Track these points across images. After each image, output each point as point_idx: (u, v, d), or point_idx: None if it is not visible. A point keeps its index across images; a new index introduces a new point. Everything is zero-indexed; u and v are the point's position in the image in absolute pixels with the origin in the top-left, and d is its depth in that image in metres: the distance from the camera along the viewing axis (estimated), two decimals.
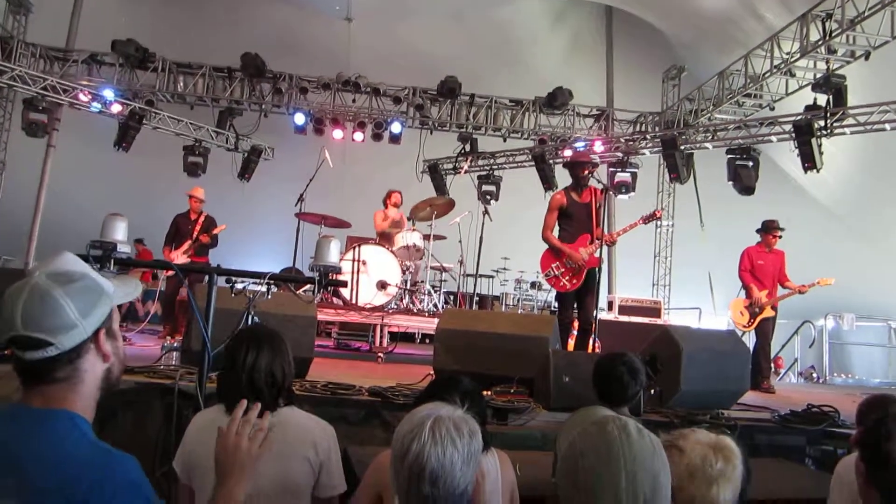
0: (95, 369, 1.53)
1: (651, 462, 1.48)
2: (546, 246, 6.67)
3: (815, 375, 11.71)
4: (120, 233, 3.99)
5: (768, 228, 8.13)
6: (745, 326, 7.93)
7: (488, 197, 12.89)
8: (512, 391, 4.83)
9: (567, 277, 6.48)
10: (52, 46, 12.63)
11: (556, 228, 6.68)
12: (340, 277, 4.36)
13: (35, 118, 11.57)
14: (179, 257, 8.56)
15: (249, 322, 3.79)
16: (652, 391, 4.99)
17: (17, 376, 1.77)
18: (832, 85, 9.45)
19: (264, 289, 3.91)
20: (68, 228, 12.52)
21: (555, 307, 10.58)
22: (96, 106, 12.02)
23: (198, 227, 8.82)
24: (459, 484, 1.58)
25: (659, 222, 13.40)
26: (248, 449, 1.70)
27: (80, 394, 1.51)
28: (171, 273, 8.86)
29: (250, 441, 1.71)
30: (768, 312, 7.89)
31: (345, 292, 8.31)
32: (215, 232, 8.79)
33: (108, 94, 12.03)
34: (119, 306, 1.64)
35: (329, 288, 7.51)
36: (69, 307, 1.46)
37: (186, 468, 2.49)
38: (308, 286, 7.34)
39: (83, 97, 11.90)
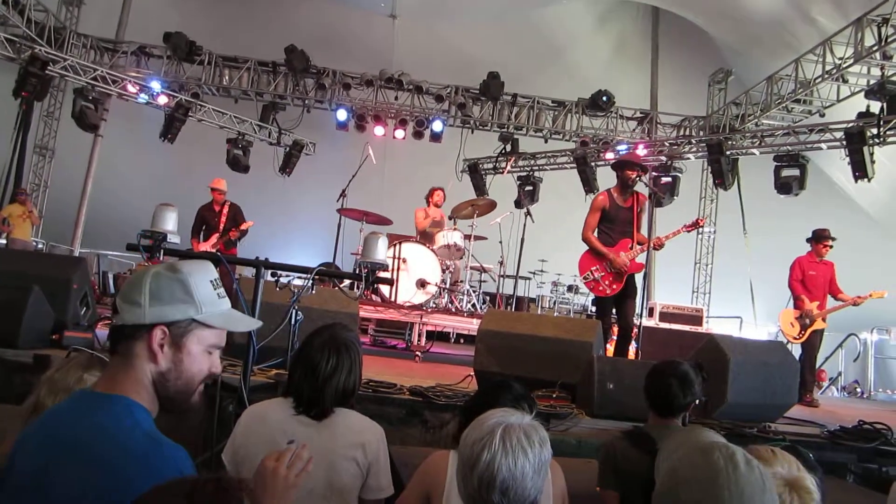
0: (145, 362, 1.57)
1: (760, 499, 1.34)
2: (585, 248, 6.54)
3: (858, 390, 11.43)
4: (170, 223, 4.03)
5: (819, 238, 7.79)
6: (795, 338, 7.65)
7: (529, 198, 12.76)
8: (554, 396, 4.75)
9: (608, 282, 6.32)
10: (103, 38, 12.87)
11: (596, 230, 6.54)
12: (382, 275, 4.33)
13: (85, 107, 11.79)
14: (208, 250, 8.59)
15: (294, 318, 3.76)
16: (697, 401, 4.89)
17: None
18: (887, 92, 9.18)
19: (308, 283, 3.89)
20: (112, 216, 12.82)
21: (592, 312, 10.47)
22: (143, 97, 12.22)
23: (223, 218, 8.85)
24: (530, 493, 1.55)
25: (701, 229, 13.21)
26: (286, 476, 1.68)
27: (134, 381, 1.56)
28: None
29: (288, 469, 1.69)
30: (819, 324, 7.63)
31: (384, 289, 8.31)
32: (243, 228, 8.82)
33: (156, 85, 12.22)
34: None
35: (373, 285, 7.53)
36: (144, 289, 1.56)
37: (235, 461, 2.49)
38: (346, 282, 7.38)
39: (131, 88, 12.10)
